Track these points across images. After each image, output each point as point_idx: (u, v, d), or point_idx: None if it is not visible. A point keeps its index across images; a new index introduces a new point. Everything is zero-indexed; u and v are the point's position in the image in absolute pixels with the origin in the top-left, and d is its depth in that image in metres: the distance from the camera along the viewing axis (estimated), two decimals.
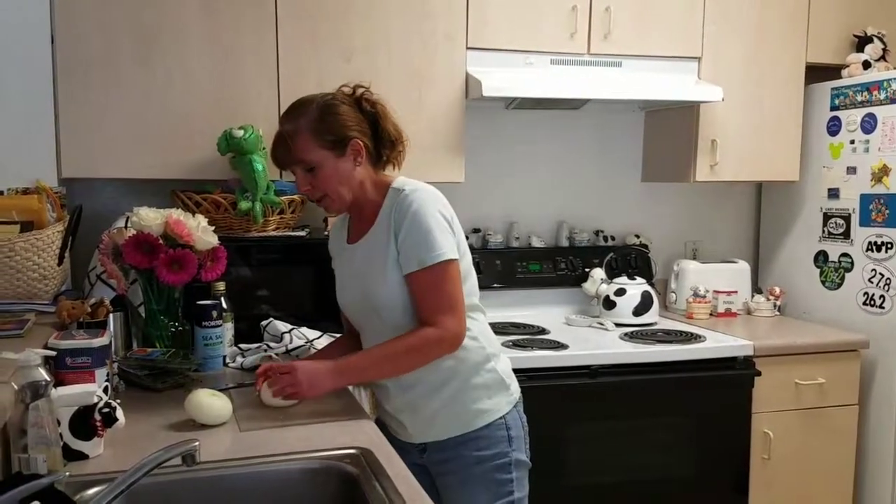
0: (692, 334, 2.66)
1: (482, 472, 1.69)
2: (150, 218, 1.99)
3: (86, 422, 1.41)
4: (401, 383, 1.71)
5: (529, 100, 2.78)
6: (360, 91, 1.70)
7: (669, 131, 3.02)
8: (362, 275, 1.70)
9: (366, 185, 1.68)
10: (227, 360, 2.11)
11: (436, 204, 1.63)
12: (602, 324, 2.80)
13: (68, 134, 2.21)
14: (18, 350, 1.31)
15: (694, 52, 2.79)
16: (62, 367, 1.58)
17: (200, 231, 2.02)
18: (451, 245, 1.60)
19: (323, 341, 2.14)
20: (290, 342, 2.12)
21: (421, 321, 1.62)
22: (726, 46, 2.83)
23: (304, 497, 1.39)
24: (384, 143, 1.71)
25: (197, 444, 1.11)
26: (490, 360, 1.73)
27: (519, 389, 1.80)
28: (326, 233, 2.43)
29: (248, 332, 2.25)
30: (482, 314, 1.78)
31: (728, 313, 3.00)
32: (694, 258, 3.22)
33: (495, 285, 2.88)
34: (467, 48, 2.56)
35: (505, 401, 1.73)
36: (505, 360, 1.79)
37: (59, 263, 2.00)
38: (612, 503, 2.47)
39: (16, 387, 1.24)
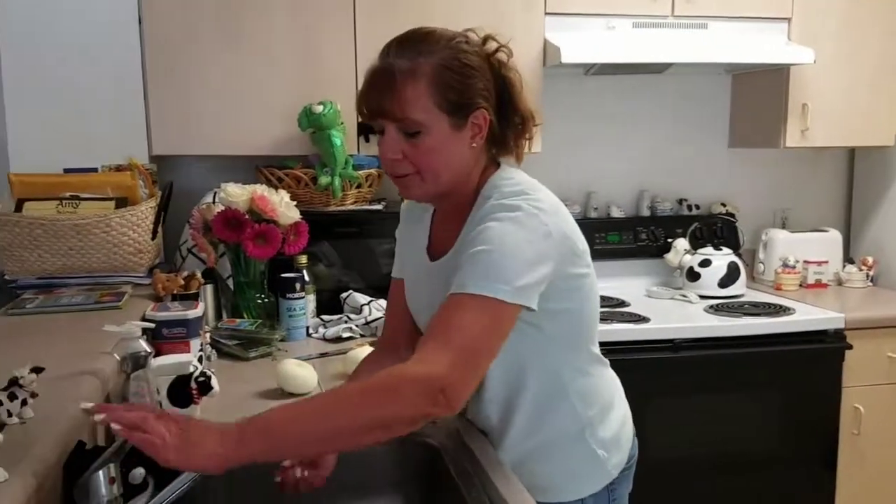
0: (780, 306, 2.58)
1: None
2: (237, 194, 2.05)
3: (183, 390, 1.46)
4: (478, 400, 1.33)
5: (610, 65, 2.71)
6: (492, 45, 1.24)
7: (758, 95, 2.90)
8: (438, 298, 1.20)
9: (471, 175, 1.25)
10: (310, 331, 2.17)
11: (531, 221, 1.14)
12: (685, 296, 2.73)
13: (157, 112, 2.29)
14: (117, 321, 1.37)
15: (784, 13, 2.66)
16: (159, 338, 1.65)
17: (283, 206, 2.07)
18: (527, 284, 1.10)
19: None
20: (370, 314, 2.16)
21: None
22: (818, 6, 2.68)
23: (387, 467, 1.41)
24: (510, 123, 1.26)
25: None
26: (585, 429, 1.32)
27: (623, 463, 1.38)
28: None
29: (329, 303, 2.30)
30: (604, 367, 1.40)
31: (818, 284, 2.89)
32: (783, 227, 3.10)
33: None
34: (546, 13, 2.51)
35: (595, 480, 1.35)
36: (613, 422, 1.36)
37: (153, 238, 2.08)
38: (694, 478, 2.43)
39: (118, 358, 1.30)
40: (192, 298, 1.87)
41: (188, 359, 1.50)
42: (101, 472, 0.93)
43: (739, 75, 3.01)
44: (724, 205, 3.06)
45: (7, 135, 2.17)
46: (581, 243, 1.24)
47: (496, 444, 1.34)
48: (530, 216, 1.14)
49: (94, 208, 2.00)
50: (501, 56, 1.24)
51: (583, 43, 2.50)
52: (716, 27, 2.63)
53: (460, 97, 1.17)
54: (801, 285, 2.87)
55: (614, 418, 1.38)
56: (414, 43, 1.17)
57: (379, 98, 1.16)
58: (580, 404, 1.32)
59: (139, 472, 1.08)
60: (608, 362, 1.42)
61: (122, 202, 2.04)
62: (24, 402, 1.02)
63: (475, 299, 1.07)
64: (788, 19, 2.67)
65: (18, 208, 1.96)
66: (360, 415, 0.99)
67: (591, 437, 1.33)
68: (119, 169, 2.21)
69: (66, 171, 2.17)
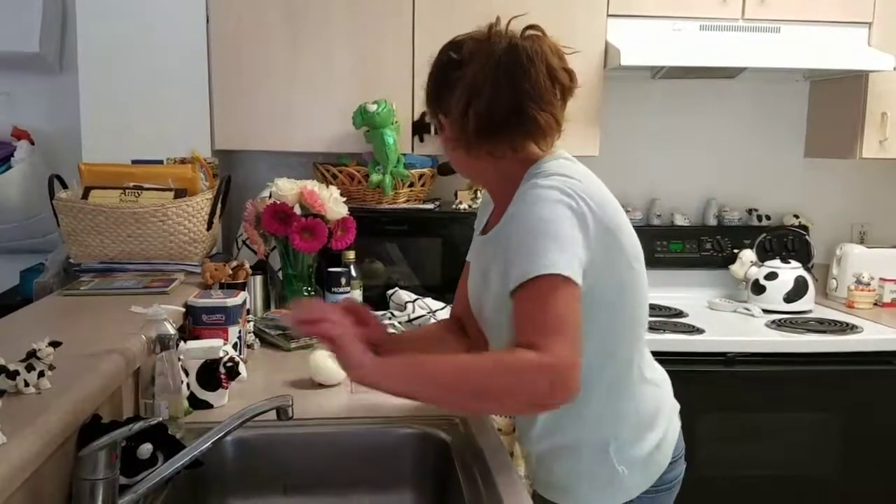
0: (848, 325, 2.45)
1: None
2: (287, 188, 2.11)
3: (212, 374, 1.52)
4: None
5: (679, 68, 2.65)
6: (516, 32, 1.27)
7: (835, 103, 2.76)
8: (478, 277, 1.37)
9: (507, 170, 1.29)
10: None
11: (566, 199, 1.17)
12: (748, 309, 2.63)
13: (221, 108, 2.39)
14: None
15: (864, 17, 2.53)
16: (199, 323, 1.72)
17: (332, 202, 2.12)
18: (568, 259, 1.12)
19: (445, 312, 2.17)
20: (413, 312, 2.18)
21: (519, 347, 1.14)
22: None
23: (400, 459, 1.43)
24: (506, 121, 1.26)
25: (290, 399, 1.16)
26: (611, 443, 1.29)
27: (647, 485, 1.31)
28: (455, 207, 2.46)
29: (378, 300, 2.33)
30: (648, 385, 1.35)
31: (894, 303, 2.72)
32: (861, 242, 2.94)
33: None
34: (608, 15, 2.48)
35: (610, 494, 1.31)
36: (647, 443, 1.31)
37: (208, 228, 2.16)
38: (744, 498, 2.34)
39: (144, 338, 1.36)
40: (238, 288, 1.94)
41: (218, 344, 1.56)
42: (104, 451, 0.97)
43: (818, 82, 2.87)
44: (797, 216, 2.93)
45: (81, 127, 2.31)
46: (623, 234, 1.25)
47: (524, 433, 1.37)
48: (560, 191, 1.18)
49: (153, 198, 2.08)
50: (526, 46, 1.24)
51: (644, 45, 2.45)
52: (789, 31, 2.52)
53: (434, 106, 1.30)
54: (875, 304, 2.72)
55: (651, 439, 1.31)
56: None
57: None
58: (610, 416, 1.29)
59: (146, 448, 1.13)
60: (662, 381, 1.38)
61: (181, 193, 2.12)
62: (41, 374, 1.08)
63: (541, 281, 1.11)
64: (869, 24, 2.54)
65: (85, 196, 2.07)
66: (481, 388, 1.10)
67: (615, 451, 1.29)
68: (183, 162, 2.30)
69: (135, 162, 2.28)
